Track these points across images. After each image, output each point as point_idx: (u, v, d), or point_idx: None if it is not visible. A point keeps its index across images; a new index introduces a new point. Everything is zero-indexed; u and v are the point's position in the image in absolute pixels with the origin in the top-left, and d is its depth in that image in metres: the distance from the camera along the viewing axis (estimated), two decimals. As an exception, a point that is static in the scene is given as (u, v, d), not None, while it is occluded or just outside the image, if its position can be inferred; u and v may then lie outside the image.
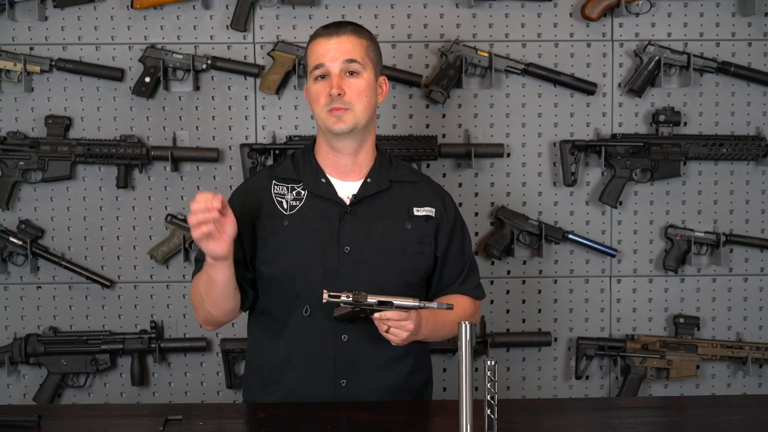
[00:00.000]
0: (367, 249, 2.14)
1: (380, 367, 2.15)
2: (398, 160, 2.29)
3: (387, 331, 2.02)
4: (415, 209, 2.20)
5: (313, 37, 2.17)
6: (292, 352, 2.15)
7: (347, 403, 2.09)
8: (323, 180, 2.18)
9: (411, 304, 1.99)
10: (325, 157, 2.20)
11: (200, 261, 2.20)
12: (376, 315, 2.00)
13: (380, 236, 2.16)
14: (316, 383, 2.14)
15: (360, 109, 2.12)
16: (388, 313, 2.00)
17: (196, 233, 1.97)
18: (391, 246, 2.16)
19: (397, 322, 2.00)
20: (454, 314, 2.19)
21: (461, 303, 2.24)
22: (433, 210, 2.22)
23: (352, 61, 2.11)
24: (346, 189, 2.19)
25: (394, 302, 1.98)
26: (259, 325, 2.22)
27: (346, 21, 2.22)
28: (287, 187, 2.19)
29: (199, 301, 2.16)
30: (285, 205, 2.17)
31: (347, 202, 2.17)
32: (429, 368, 2.32)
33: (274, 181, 2.20)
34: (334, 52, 2.11)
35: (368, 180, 2.19)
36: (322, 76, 2.12)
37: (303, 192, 2.18)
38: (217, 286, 2.08)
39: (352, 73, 2.12)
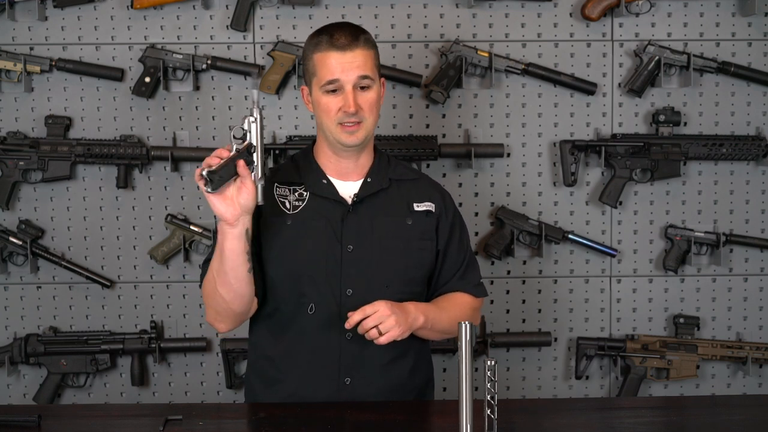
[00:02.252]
0: (369, 247, 2.15)
1: (384, 366, 2.16)
2: (396, 160, 2.31)
3: (382, 334, 2.02)
4: (415, 205, 2.22)
5: (321, 47, 2.12)
6: (297, 350, 2.16)
7: (348, 403, 2.09)
8: (324, 181, 2.19)
9: (246, 123, 1.93)
10: (326, 159, 2.21)
11: (208, 262, 2.20)
12: (360, 326, 2.02)
13: (382, 233, 2.17)
14: (320, 382, 2.14)
15: (371, 122, 2.14)
16: (355, 315, 2.02)
17: (197, 171, 1.91)
18: (393, 243, 2.17)
19: (372, 317, 2.01)
20: (454, 310, 2.21)
21: (460, 300, 2.25)
22: (433, 205, 2.23)
23: (365, 77, 2.11)
24: (347, 189, 2.20)
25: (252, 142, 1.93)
26: (263, 324, 2.22)
27: (350, 26, 2.17)
28: (289, 189, 2.20)
29: (211, 288, 2.09)
30: (288, 205, 2.18)
31: (349, 201, 2.18)
32: (429, 368, 2.32)
33: (276, 185, 2.20)
34: (348, 68, 2.09)
35: (368, 179, 2.20)
36: (334, 90, 2.11)
37: (305, 193, 2.19)
38: (226, 259, 2.01)
39: (363, 87, 2.12)
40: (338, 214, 2.16)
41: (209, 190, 1.90)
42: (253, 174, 1.95)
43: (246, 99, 3.06)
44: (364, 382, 2.15)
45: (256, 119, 1.93)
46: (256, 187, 1.96)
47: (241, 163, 1.92)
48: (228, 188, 1.94)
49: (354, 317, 2.03)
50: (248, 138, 1.93)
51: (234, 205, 1.96)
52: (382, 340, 2.03)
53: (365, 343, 2.11)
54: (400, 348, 2.16)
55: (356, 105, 2.09)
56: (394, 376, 2.18)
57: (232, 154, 1.92)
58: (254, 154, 1.94)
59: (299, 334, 2.15)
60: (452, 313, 2.21)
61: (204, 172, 1.89)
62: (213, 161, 1.92)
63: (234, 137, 1.92)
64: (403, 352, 2.18)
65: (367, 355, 2.14)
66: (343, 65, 2.10)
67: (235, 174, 1.93)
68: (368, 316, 2.02)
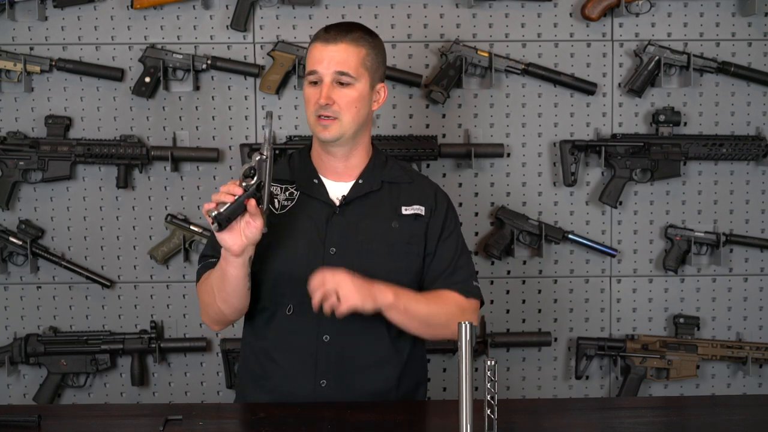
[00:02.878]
0: (352, 250, 2.13)
1: (363, 370, 2.13)
2: (394, 160, 2.29)
3: (339, 300, 1.97)
4: (403, 208, 2.19)
5: (314, 38, 2.15)
6: (276, 350, 2.15)
7: (347, 403, 2.08)
8: (315, 181, 2.19)
9: (255, 161, 1.91)
10: (318, 158, 2.21)
11: (206, 257, 2.20)
12: (315, 293, 1.97)
13: (366, 237, 2.14)
14: (298, 383, 2.13)
15: (348, 120, 2.11)
16: (313, 283, 1.97)
17: (205, 206, 1.94)
18: (376, 246, 2.14)
19: (325, 285, 1.96)
20: (436, 302, 2.13)
21: (446, 296, 2.16)
22: (423, 208, 2.20)
23: (343, 73, 2.09)
24: (338, 190, 2.19)
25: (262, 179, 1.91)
26: (250, 321, 2.22)
27: (348, 24, 2.18)
28: (281, 188, 2.19)
29: (210, 298, 2.12)
30: (276, 205, 2.17)
31: (337, 203, 2.17)
32: (421, 371, 2.28)
33: None
34: (327, 61, 2.09)
35: (359, 181, 2.19)
36: (315, 82, 2.12)
37: (295, 192, 2.18)
38: (228, 282, 2.05)
39: (342, 83, 2.11)
40: (324, 215, 2.15)
41: (217, 229, 1.93)
42: (260, 206, 1.95)
43: (246, 99, 3.06)
44: (340, 385, 2.12)
45: (266, 157, 1.92)
46: (263, 218, 1.96)
47: (251, 202, 1.93)
48: (236, 222, 1.95)
49: (313, 283, 1.98)
50: (258, 176, 1.93)
51: (241, 238, 1.97)
52: (342, 308, 1.97)
53: (344, 347, 2.10)
54: (383, 353, 2.13)
55: (328, 98, 2.08)
56: (373, 381, 2.14)
57: (241, 194, 1.91)
58: (263, 190, 1.93)
59: (279, 333, 2.15)
60: (433, 304, 2.13)
61: (212, 214, 1.91)
62: (224, 198, 1.92)
63: (244, 176, 1.92)
64: (385, 357, 2.14)
65: (345, 358, 2.11)
66: (323, 57, 2.10)
67: (244, 211, 1.94)
68: (321, 282, 1.97)
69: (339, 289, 1.97)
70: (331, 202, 2.17)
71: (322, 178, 2.19)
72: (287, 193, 2.19)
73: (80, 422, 2.04)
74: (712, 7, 3.08)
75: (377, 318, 2.08)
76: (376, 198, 2.19)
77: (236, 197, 1.92)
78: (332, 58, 2.09)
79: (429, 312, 2.12)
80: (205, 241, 3.00)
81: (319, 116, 2.10)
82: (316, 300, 1.99)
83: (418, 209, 2.20)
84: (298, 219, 2.15)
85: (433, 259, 2.20)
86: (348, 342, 2.11)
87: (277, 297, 2.14)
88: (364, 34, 2.15)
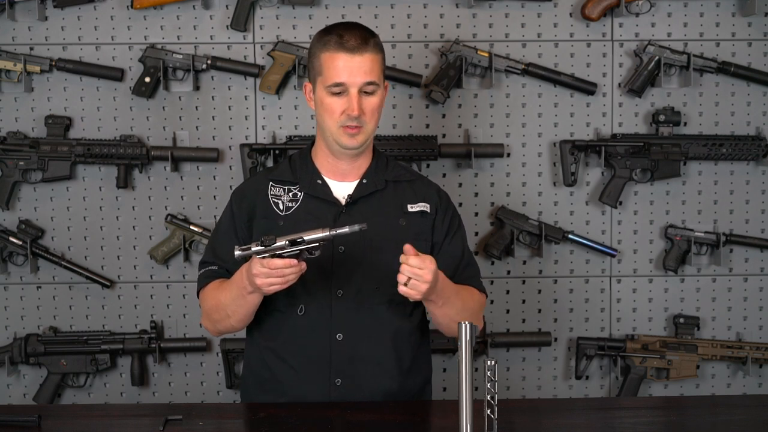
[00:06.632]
0: (361, 248, 2.15)
1: (376, 368, 2.14)
2: (395, 161, 2.31)
3: (406, 284, 1.98)
4: (409, 206, 2.21)
5: (329, 47, 2.11)
6: (288, 351, 2.16)
7: (347, 403, 2.09)
8: (319, 181, 2.19)
9: (321, 235, 1.94)
10: (323, 159, 2.21)
11: (206, 263, 2.21)
12: (403, 264, 1.97)
13: (374, 234, 2.15)
14: (311, 382, 2.14)
15: (371, 126, 2.14)
16: (411, 260, 1.96)
17: (267, 286, 1.99)
18: (385, 244, 2.16)
19: (415, 270, 1.97)
20: (466, 295, 2.17)
21: (471, 290, 2.22)
22: (428, 205, 2.22)
23: (371, 83, 2.10)
24: (342, 189, 2.20)
25: (305, 237, 1.94)
26: (257, 324, 2.22)
27: (358, 27, 2.16)
28: (284, 189, 2.20)
29: (220, 316, 2.15)
30: (281, 206, 2.18)
31: (343, 202, 2.18)
32: (428, 370, 2.31)
33: (271, 183, 2.21)
34: (356, 72, 2.09)
35: (364, 181, 2.20)
36: (339, 92, 2.11)
37: (299, 193, 2.19)
38: (248, 308, 2.10)
39: (367, 92, 2.11)
40: (331, 214, 2.16)
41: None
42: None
43: (246, 99, 3.06)
44: (355, 383, 2.13)
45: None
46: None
47: (302, 264, 1.99)
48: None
49: (412, 260, 1.97)
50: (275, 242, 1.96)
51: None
52: (402, 289, 1.99)
53: (357, 345, 2.11)
54: (395, 350, 2.15)
55: (360, 109, 2.09)
56: (386, 378, 2.16)
57: (287, 265, 1.96)
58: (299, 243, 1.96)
59: (290, 334, 2.16)
60: (465, 297, 2.17)
61: None
62: (279, 281, 1.98)
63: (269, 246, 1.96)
64: (397, 354, 2.16)
65: (358, 356, 2.12)
66: (350, 69, 2.09)
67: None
68: (417, 266, 1.98)
69: (412, 280, 1.97)
70: (336, 202, 2.18)
71: (326, 179, 2.20)
72: (290, 194, 2.20)
73: (80, 422, 2.04)
74: (712, 7, 3.08)
75: (388, 315, 2.13)
76: (381, 197, 2.20)
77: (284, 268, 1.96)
78: (360, 69, 2.09)
79: (462, 308, 2.15)
80: (205, 241, 3.00)
81: (345, 126, 2.11)
82: (402, 278, 1.99)
83: (424, 206, 2.22)
84: (305, 220, 2.15)
85: (438, 260, 2.21)
86: (361, 340, 2.13)
87: (288, 299, 2.15)
88: (376, 39, 2.16)
